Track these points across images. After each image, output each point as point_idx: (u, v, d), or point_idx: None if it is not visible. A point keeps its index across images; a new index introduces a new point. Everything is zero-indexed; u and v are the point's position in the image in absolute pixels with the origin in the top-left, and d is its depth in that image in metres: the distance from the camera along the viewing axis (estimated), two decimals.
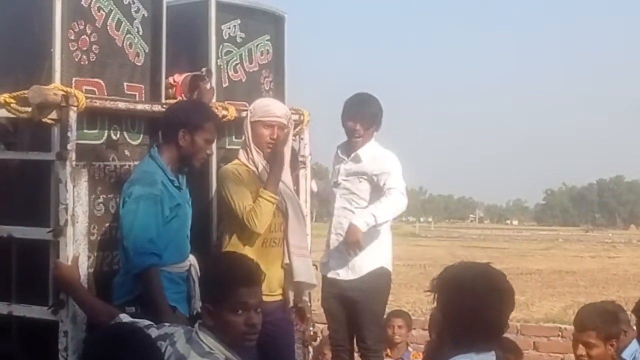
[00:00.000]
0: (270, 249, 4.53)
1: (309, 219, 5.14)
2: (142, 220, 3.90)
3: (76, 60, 4.05)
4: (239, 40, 4.94)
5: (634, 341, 4.78)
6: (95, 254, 4.11)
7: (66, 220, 3.84)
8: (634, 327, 4.76)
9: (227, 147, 4.86)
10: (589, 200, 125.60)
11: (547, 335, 8.64)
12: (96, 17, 4.13)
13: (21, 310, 4.01)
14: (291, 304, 4.75)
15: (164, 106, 4.36)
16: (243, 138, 4.62)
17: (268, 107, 4.55)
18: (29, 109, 3.89)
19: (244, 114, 4.67)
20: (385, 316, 6.06)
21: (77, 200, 3.90)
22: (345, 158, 5.51)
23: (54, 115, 3.88)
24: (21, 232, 4.00)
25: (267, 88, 5.13)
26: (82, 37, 4.06)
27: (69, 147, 3.85)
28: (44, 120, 3.89)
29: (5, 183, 4.12)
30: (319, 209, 7.76)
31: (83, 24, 4.06)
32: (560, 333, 8.57)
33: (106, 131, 4.21)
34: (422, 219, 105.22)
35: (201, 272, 3.10)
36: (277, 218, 4.53)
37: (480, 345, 2.59)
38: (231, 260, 3.25)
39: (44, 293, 3.95)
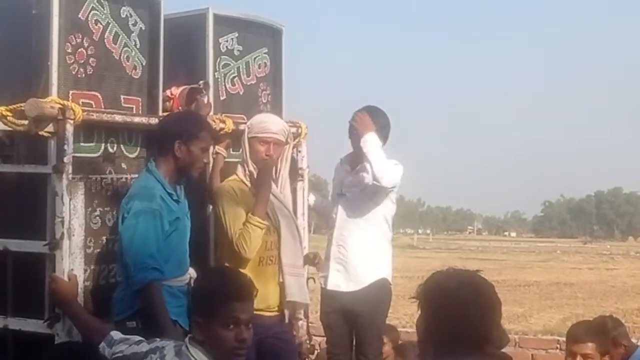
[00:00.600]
0: (266, 267, 4.52)
1: (307, 232, 5.13)
2: (142, 235, 3.88)
3: (73, 73, 4.04)
4: (236, 53, 4.95)
5: (639, 349, 4.76)
6: (92, 267, 4.09)
7: (62, 233, 3.83)
8: (634, 341, 4.74)
9: (225, 159, 4.85)
10: (587, 212, 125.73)
11: (545, 348, 8.62)
12: (93, 30, 4.13)
13: (17, 323, 3.99)
14: (287, 319, 4.72)
15: (161, 119, 4.36)
16: (241, 151, 4.62)
17: (264, 124, 4.55)
18: (26, 122, 3.88)
19: (241, 126, 4.68)
20: None
21: (73, 214, 3.89)
22: (350, 169, 5.49)
23: (50, 128, 3.87)
24: (17, 245, 3.98)
25: (264, 101, 5.13)
26: (80, 50, 4.06)
27: (65, 160, 3.84)
28: (40, 133, 3.89)
29: (2, 196, 4.11)
30: (317, 220, 7.73)
31: (80, 37, 4.06)
32: (558, 345, 8.54)
33: (103, 144, 4.20)
34: (420, 231, 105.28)
35: (194, 286, 3.09)
36: (272, 236, 4.51)
37: (464, 357, 2.49)
38: (224, 275, 3.24)
39: (40, 306, 3.93)
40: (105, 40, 4.19)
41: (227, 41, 4.88)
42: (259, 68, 5.10)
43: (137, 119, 4.29)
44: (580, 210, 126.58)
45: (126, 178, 4.28)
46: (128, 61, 4.31)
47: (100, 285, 4.14)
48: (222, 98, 4.85)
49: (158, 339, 3.24)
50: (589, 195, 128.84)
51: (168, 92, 4.56)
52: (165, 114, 4.45)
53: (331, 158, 5.73)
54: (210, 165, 4.64)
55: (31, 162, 4.02)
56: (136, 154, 4.38)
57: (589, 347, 3.95)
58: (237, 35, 4.93)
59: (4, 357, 4.02)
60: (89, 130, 4.08)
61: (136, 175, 4.31)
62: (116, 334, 3.40)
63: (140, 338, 3.28)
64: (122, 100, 4.30)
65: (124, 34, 4.27)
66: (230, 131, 4.70)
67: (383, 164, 5.18)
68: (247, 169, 4.52)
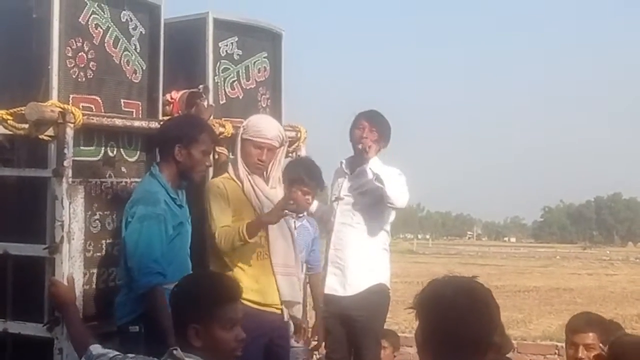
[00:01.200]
0: (263, 260, 4.56)
1: None
2: (146, 239, 3.89)
3: (73, 77, 4.05)
4: (236, 57, 4.96)
5: None
6: (91, 271, 4.10)
7: (62, 237, 3.83)
8: None
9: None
10: (586, 218, 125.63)
11: (544, 354, 8.63)
12: (94, 35, 4.14)
13: (16, 327, 4.00)
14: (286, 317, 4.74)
15: (161, 123, 4.37)
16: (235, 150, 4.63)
17: (259, 128, 4.55)
18: (26, 126, 3.89)
19: (240, 130, 4.68)
20: None
21: (73, 217, 3.90)
22: (349, 173, 5.49)
23: (50, 132, 3.88)
24: (17, 248, 3.99)
25: (264, 105, 5.14)
26: (80, 54, 4.07)
27: (65, 163, 3.85)
28: (40, 137, 3.90)
29: (1, 199, 4.12)
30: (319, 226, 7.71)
31: (81, 41, 4.07)
32: (557, 351, 8.55)
33: (103, 148, 4.21)
34: (419, 236, 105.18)
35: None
36: (262, 231, 4.53)
37: None
38: (213, 279, 3.24)
39: (40, 310, 3.94)
40: (106, 45, 4.20)
41: (226, 45, 4.89)
42: (259, 72, 5.11)
43: (137, 123, 4.30)
44: (580, 215, 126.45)
45: (126, 182, 4.29)
46: (128, 65, 4.32)
47: (100, 288, 4.14)
48: (221, 102, 4.87)
49: (131, 355, 3.23)
50: (589, 200, 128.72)
51: (168, 96, 4.57)
52: (165, 118, 4.46)
53: (331, 161, 5.75)
54: (212, 168, 4.64)
55: (31, 166, 4.03)
56: (136, 157, 4.39)
57: (590, 337, 3.94)
58: (236, 39, 4.95)
59: None
60: (89, 134, 4.09)
61: (136, 179, 4.32)
62: (95, 349, 3.40)
63: (117, 353, 3.28)
64: (122, 104, 4.31)
65: (124, 38, 4.28)
66: (229, 135, 4.71)
67: (396, 188, 5.25)
68: (237, 168, 4.54)
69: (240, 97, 5.01)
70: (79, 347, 3.55)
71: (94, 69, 4.15)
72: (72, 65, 4.04)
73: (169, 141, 4.12)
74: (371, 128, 5.37)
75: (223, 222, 4.40)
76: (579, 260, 46.03)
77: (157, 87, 4.45)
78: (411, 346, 7.72)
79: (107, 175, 4.22)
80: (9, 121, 3.91)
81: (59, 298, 3.80)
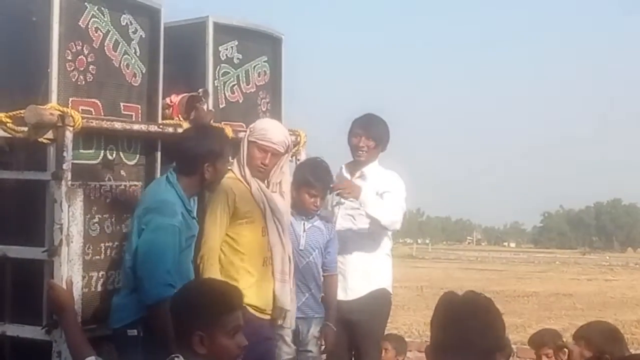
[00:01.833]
0: (268, 267, 4.58)
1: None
2: (160, 250, 3.89)
3: (73, 80, 4.05)
4: (236, 61, 4.96)
5: None
6: (90, 274, 4.09)
7: (61, 240, 3.83)
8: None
9: None
10: (586, 223, 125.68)
11: None
12: (93, 38, 4.14)
13: (15, 329, 4.00)
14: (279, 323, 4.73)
15: (161, 127, 4.37)
16: (240, 152, 4.61)
17: (266, 131, 4.56)
18: (25, 129, 3.89)
19: (240, 134, 4.69)
20: None
21: (72, 220, 3.89)
22: (349, 177, 5.49)
23: (50, 135, 3.88)
24: (16, 251, 3.99)
25: (264, 109, 5.14)
26: (80, 57, 4.07)
27: (64, 167, 3.85)
28: (39, 140, 3.89)
29: (0, 202, 4.11)
30: None
31: (80, 44, 4.07)
32: None
33: (102, 151, 4.21)
34: (419, 241, 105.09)
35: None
36: (266, 237, 4.55)
37: None
38: (217, 287, 3.25)
39: (38, 313, 3.93)
40: (105, 48, 4.20)
41: (226, 49, 4.89)
42: (259, 76, 5.11)
43: (136, 127, 4.30)
44: (580, 221, 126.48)
45: (125, 185, 4.30)
46: (128, 69, 4.32)
47: (98, 292, 4.14)
48: (221, 106, 4.86)
49: None
50: (588, 206, 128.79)
51: (167, 100, 4.57)
52: (165, 121, 4.46)
53: (332, 165, 5.73)
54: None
55: (30, 169, 4.03)
56: (135, 161, 4.39)
57: (584, 346, 3.99)
58: (236, 43, 4.95)
59: None
60: (88, 137, 4.09)
61: (135, 183, 4.33)
62: None
63: None
64: (122, 108, 4.31)
65: (124, 42, 4.28)
66: (229, 139, 4.70)
67: (387, 215, 5.24)
68: (242, 170, 4.55)
69: (240, 101, 5.01)
70: (77, 356, 3.55)
71: (93, 72, 4.14)
72: (71, 69, 4.04)
73: (197, 159, 4.12)
74: (367, 136, 5.38)
75: (213, 238, 4.38)
76: (578, 266, 46.02)
77: (157, 91, 4.45)
78: (410, 350, 7.71)
79: (107, 179, 4.22)
80: (8, 124, 3.91)
81: (57, 303, 3.79)
